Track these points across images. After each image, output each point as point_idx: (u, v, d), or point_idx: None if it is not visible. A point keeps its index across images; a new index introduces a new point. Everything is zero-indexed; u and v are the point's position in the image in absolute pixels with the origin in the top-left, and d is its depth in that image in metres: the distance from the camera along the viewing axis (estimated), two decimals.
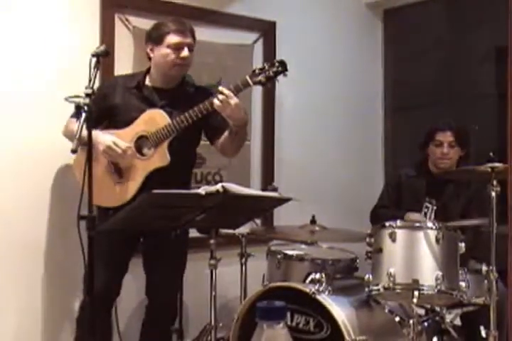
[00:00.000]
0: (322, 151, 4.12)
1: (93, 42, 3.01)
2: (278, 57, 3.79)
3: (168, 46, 2.69)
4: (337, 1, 4.23)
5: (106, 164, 2.71)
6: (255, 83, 2.60)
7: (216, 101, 2.57)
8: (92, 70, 2.26)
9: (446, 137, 3.28)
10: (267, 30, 3.83)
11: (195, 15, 3.49)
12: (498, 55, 3.80)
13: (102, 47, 2.39)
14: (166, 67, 2.73)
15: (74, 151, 2.20)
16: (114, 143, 2.61)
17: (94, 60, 2.29)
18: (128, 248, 2.81)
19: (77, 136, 2.18)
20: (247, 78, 2.60)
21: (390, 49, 4.49)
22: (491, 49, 3.83)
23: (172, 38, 2.69)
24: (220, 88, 2.60)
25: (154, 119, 2.68)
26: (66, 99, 2.53)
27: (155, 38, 2.73)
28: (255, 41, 3.79)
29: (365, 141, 4.41)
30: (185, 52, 2.70)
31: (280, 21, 3.86)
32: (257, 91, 3.81)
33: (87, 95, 2.19)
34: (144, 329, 2.91)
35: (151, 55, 2.76)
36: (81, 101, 2.18)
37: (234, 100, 2.57)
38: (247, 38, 3.75)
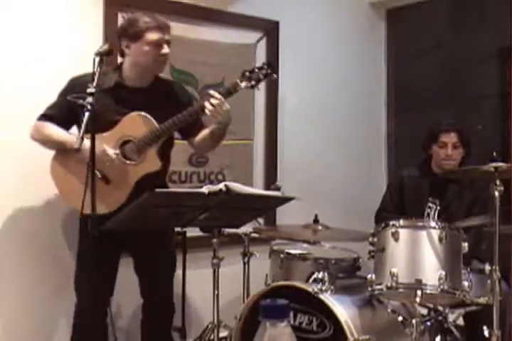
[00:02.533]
0: (325, 151, 4.12)
1: (96, 41, 3.01)
2: (281, 57, 3.85)
3: (148, 43, 2.58)
4: (340, 0, 4.23)
5: (85, 169, 2.51)
6: (246, 87, 2.59)
7: (208, 106, 2.53)
8: (96, 69, 2.26)
9: (451, 138, 3.26)
10: (270, 30, 3.83)
11: (198, 15, 3.50)
12: (500, 55, 3.80)
13: (106, 46, 2.39)
14: (147, 65, 2.63)
15: (78, 149, 2.21)
16: (104, 152, 2.53)
17: (97, 58, 2.29)
18: (116, 253, 2.75)
19: (81, 135, 2.18)
20: (238, 82, 2.58)
21: (393, 49, 4.49)
22: (494, 49, 3.83)
23: (152, 35, 2.58)
24: (212, 92, 2.56)
25: (139, 123, 2.59)
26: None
27: (132, 34, 2.59)
28: (258, 40, 3.80)
29: (368, 140, 4.41)
30: (165, 49, 2.61)
31: (283, 21, 3.86)
32: (260, 91, 3.81)
33: (91, 94, 2.18)
34: (143, 329, 2.89)
35: (127, 52, 2.64)
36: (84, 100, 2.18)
37: (226, 106, 2.55)
38: (250, 37, 3.76)
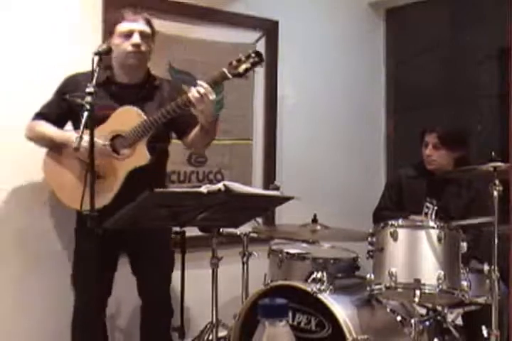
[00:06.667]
0: (324, 150, 4.12)
1: (95, 41, 3.00)
2: (280, 56, 3.85)
3: (120, 35, 2.59)
4: (339, 0, 4.23)
5: (78, 165, 2.58)
6: (234, 75, 2.53)
7: (194, 93, 2.47)
8: (95, 69, 2.26)
9: (431, 138, 3.27)
10: (270, 29, 3.83)
11: (198, 15, 3.50)
12: (500, 55, 3.80)
13: (105, 46, 2.39)
14: (122, 58, 2.63)
15: (77, 149, 2.21)
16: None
17: (96, 58, 2.28)
18: (115, 252, 2.75)
19: (80, 134, 2.18)
20: (225, 71, 2.51)
21: (392, 48, 4.49)
22: (493, 49, 3.83)
23: (122, 26, 2.60)
24: (200, 82, 2.52)
25: (129, 117, 2.57)
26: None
27: (109, 29, 2.67)
28: (258, 40, 3.79)
29: (367, 140, 4.41)
30: (134, 39, 2.59)
31: (283, 20, 3.86)
32: (259, 91, 3.81)
33: (90, 93, 2.18)
34: (142, 330, 2.88)
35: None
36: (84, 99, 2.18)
37: (212, 95, 2.50)
38: (249, 36, 3.75)
